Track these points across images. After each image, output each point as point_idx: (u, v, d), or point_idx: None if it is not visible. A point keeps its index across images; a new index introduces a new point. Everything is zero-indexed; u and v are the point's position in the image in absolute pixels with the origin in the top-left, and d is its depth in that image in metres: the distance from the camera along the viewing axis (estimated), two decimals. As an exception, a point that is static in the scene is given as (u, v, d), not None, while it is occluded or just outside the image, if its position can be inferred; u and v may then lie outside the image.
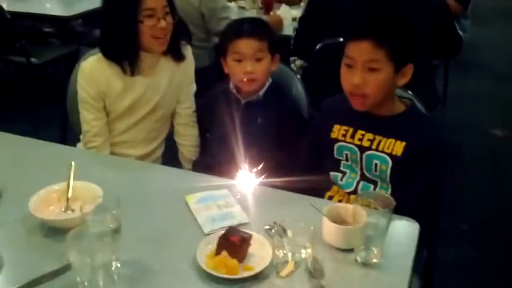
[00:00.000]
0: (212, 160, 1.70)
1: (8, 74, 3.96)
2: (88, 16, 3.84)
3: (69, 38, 3.94)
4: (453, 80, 3.48)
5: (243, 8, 3.20)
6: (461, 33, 2.41)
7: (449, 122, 3.18)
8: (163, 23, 1.59)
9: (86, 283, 0.98)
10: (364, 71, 1.30)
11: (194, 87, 1.80)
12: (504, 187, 2.77)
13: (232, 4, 3.11)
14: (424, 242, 1.22)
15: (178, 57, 1.72)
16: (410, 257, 1.11)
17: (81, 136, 1.77)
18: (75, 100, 1.76)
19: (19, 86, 3.92)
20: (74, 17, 3.73)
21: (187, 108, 1.79)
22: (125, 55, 1.62)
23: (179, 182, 1.41)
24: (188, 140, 1.81)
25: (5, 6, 3.35)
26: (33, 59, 3.44)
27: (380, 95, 1.32)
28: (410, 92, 1.52)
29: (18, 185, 1.35)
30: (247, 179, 1.32)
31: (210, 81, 1.84)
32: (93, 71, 1.65)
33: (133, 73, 1.65)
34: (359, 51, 1.30)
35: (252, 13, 3.07)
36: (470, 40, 3.35)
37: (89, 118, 1.68)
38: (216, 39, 2.57)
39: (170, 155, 1.85)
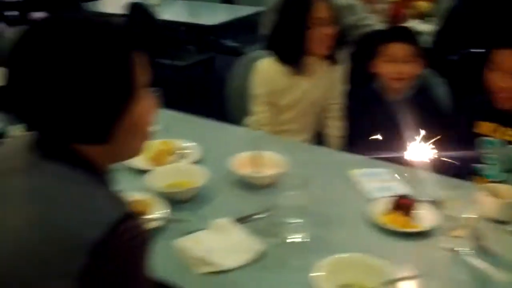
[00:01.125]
0: (357, 151, 1.94)
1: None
2: (218, 28, 4.30)
3: (205, 45, 4.42)
4: None
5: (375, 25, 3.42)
6: None
7: None
8: (328, 30, 1.87)
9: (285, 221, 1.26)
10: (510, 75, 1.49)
11: (344, 86, 2.08)
12: None
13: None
14: None
15: (335, 61, 2.00)
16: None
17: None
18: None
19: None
20: (209, 27, 4.20)
21: (336, 104, 2.06)
22: (293, 57, 1.93)
23: (341, 160, 1.67)
24: (335, 131, 2.07)
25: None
26: (177, 62, 3.94)
27: None
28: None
29: (213, 152, 1.68)
30: (404, 161, 1.54)
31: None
32: (265, 71, 1.98)
33: (297, 73, 1.95)
34: (506, 58, 1.50)
35: (380, 27, 3.28)
36: None
37: (258, 111, 2.00)
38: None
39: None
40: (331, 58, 2.00)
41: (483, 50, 1.70)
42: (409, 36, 1.88)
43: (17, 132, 1.68)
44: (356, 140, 1.98)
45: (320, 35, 1.88)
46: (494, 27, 1.77)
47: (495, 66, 1.55)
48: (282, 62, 1.95)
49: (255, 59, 2.22)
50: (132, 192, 1.40)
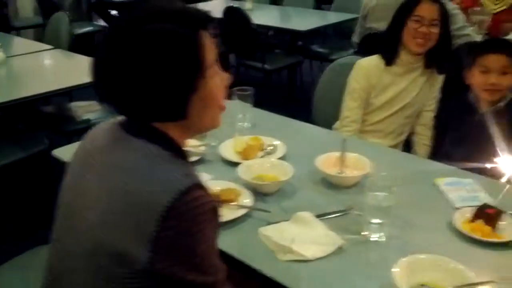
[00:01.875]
0: (447, 160, 1.92)
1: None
2: (309, 33, 4.37)
3: (293, 50, 4.52)
4: None
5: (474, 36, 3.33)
6: None
7: None
8: (424, 29, 1.91)
9: (367, 220, 1.30)
10: None
11: (439, 94, 2.08)
12: None
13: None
14: None
15: (438, 67, 2.03)
16: None
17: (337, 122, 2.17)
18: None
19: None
20: (300, 32, 4.28)
21: (430, 111, 2.06)
22: (390, 49, 2.01)
23: (427, 168, 1.69)
24: (424, 139, 2.08)
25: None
26: (266, 65, 4.07)
27: None
28: None
29: (299, 151, 1.76)
30: (491, 173, 1.52)
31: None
32: (365, 66, 2.05)
33: (394, 68, 2.01)
34: None
35: (479, 38, 3.18)
36: None
37: (350, 106, 2.06)
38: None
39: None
40: (432, 63, 2.02)
41: None
42: (508, 48, 1.84)
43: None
44: (444, 150, 1.97)
45: (416, 31, 1.93)
46: None
47: None
48: (382, 58, 2.02)
49: (344, 65, 2.28)
50: (223, 181, 1.52)
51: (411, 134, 2.13)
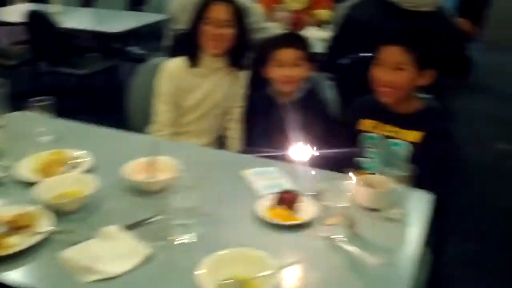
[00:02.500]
0: (254, 151, 2.01)
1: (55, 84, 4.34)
2: (124, 35, 4.25)
3: (109, 53, 4.34)
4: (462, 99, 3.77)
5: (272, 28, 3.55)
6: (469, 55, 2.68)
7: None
8: (221, 31, 1.95)
9: (175, 223, 1.28)
10: (392, 70, 1.64)
11: (245, 90, 2.15)
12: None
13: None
14: (438, 213, 1.51)
15: (239, 64, 2.08)
16: (426, 218, 1.40)
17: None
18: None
19: (66, 95, 4.30)
20: (114, 34, 4.13)
21: (238, 107, 2.13)
22: (189, 52, 2.02)
23: (234, 161, 1.73)
24: (235, 132, 2.14)
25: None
26: (77, 70, 3.83)
27: (404, 90, 1.66)
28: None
29: (107, 161, 1.66)
30: (292, 159, 1.63)
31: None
32: (171, 69, 2.04)
33: (197, 70, 2.02)
34: (390, 54, 1.65)
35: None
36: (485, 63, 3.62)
37: (161, 110, 2.02)
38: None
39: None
40: (235, 62, 2.07)
41: (371, 54, 1.84)
42: (297, 41, 1.98)
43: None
44: (252, 142, 2.07)
45: (210, 34, 1.95)
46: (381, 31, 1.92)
47: (380, 62, 1.70)
48: (186, 60, 2.02)
49: (156, 66, 2.23)
50: (19, 206, 1.36)
51: (224, 129, 2.18)
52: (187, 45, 2.04)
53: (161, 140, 1.95)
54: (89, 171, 1.61)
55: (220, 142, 2.17)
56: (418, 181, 1.40)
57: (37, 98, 1.79)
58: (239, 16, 2.02)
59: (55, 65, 3.91)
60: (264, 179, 1.57)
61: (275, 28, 3.05)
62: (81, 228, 1.33)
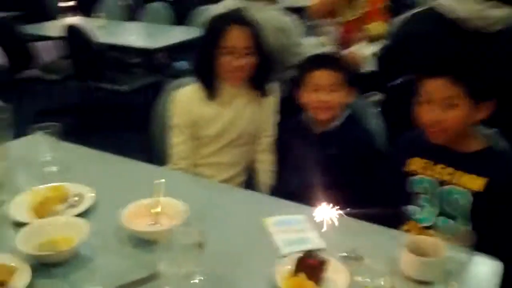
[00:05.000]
0: (286, 187, 1.74)
1: (96, 100, 4.27)
2: (170, 49, 4.11)
3: (153, 68, 4.22)
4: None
5: (321, 44, 3.27)
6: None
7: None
8: (239, 62, 1.70)
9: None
10: (441, 107, 1.32)
11: (277, 117, 1.88)
12: None
13: (312, 40, 3.19)
14: (507, 284, 1.18)
15: (264, 91, 1.82)
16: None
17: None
18: (161, 127, 1.89)
19: (105, 112, 4.21)
20: (158, 49, 4.00)
21: (268, 137, 1.86)
22: (206, 83, 1.77)
23: (257, 205, 1.47)
24: (266, 165, 1.87)
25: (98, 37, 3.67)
26: (122, 87, 3.71)
27: (458, 130, 1.33)
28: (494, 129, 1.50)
29: (110, 198, 1.46)
30: (324, 207, 1.34)
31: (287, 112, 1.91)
32: (184, 99, 1.80)
33: (215, 100, 1.77)
34: (436, 88, 1.33)
35: (329, 49, 3.14)
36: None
37: (176, 142, 1.80)
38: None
39: (251, 185, 1.92)
40: (259, 88, 1.82)
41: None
42: (334, 63, 1.71)
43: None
44: (282, 179, 1.80)
45: (229, 66, 1.70)
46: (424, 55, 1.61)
47: (424, 98, 1.38)
48: (202, 89, 1.78)
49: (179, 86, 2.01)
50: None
51: (253, 162, 1.92)
52: (201, 76, 1.79)
53: (176, 173, 1.73)
54: (89, 210, 1.40)
55: (249, 176, 1.92)
56: (480, 242, 1.08)
57: (45, 124, 1.63)
58: (258, 40, 1.74)
59: (95, 81, 3.82)
60: (288, 231, 1.30)
61: (314, 46, 2.77)
62: (63, 285, 1.12)
